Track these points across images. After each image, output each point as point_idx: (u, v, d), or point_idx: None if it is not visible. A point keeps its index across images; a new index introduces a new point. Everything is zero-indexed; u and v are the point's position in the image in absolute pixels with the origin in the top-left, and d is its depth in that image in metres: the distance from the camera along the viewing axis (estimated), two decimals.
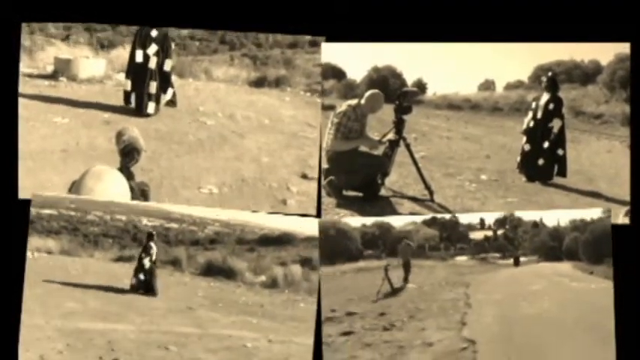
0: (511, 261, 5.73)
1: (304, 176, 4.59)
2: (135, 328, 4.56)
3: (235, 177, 4.78)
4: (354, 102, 5.05)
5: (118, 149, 4.52)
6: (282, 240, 6.08)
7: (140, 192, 4.04)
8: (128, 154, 4.43)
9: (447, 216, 5.07)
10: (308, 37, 4.96)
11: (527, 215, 5.17)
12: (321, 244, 4.53)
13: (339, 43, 4.37)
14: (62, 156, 4.73)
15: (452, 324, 4.43)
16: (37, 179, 4.56)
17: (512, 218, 5.27)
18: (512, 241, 5.64)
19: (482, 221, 5.44)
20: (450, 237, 5.66)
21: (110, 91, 6.25)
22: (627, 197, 4.39)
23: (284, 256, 6.00)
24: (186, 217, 6.16)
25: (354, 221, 4.93)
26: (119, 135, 4.62)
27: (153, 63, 5.82)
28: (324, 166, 4.82)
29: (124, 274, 5.86)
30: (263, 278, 5.97)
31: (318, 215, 4.42)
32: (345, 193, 4.91)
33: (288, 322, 5.02)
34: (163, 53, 5.88)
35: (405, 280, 5.43)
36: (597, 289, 4.27)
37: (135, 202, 4.51)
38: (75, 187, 2.99)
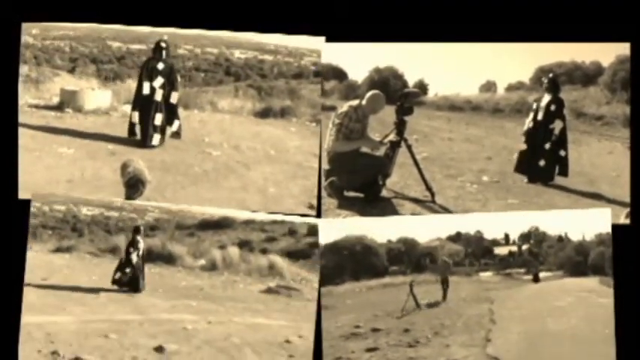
0: None
1: (311, 206, 4.57)
2: (74, 319, 4.56)
3: (241, 208, 4.81)
4: (355, 103, 5.05)
5: (123, 181, 4.56)
6: (221, 224, 6.13)
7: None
8: (133, 185, 4.48)
9: (472, 231, 5.02)
10: (312, 68, 4.97)
11: (552, 230, 5.10)
12: (346, 260, 4.52)
13: (340, 43, 4.38)
14: (67, 186, 4.72)
15: (476, 341, 4.39)
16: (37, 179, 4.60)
17: (537, 233, 5.21)
18: (536, 257, 5.59)
19: (506, 236, 5.39)
20: (475, 252, 5.65)
21: (116, 123, 6.27)
22: (628, 198, 4.39)
23: (223, 239, 6.06)
24: (126, 205, 6.18)
25: (380, 237, 4.90)
26: (124, 167, 4.66)
27: (159, 95, 5.85)
28: (325, 167, 4.83)
29: (63, 265, 5.92)
30: (202, 262, 6.07)
31: (318, 215, 4.42)
32: (346, 194, 4.90)
33: (226, 303, 5.13)
34: (169, 86, 5.90)
35: (444, 297, 5.44)
36: None
37: (74, 194, 4.52)
38: None
